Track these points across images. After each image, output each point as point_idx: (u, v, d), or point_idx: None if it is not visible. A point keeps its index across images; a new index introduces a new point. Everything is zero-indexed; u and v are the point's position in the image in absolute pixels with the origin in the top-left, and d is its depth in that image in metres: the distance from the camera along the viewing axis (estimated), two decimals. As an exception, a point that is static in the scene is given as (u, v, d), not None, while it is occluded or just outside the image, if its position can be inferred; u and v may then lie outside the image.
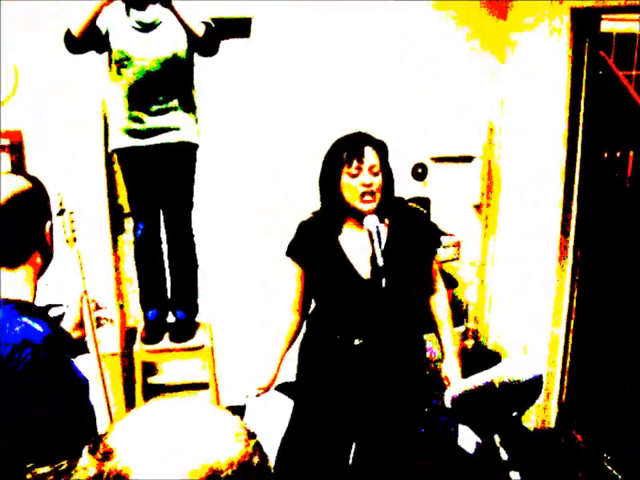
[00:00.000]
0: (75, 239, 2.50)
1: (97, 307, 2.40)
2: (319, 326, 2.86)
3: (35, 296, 1.81)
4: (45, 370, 1.59)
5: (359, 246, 2.70)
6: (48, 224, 1.86)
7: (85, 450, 0.92)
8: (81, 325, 2.33)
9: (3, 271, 1.75)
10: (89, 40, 3.37)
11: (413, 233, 2.78)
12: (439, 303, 2.94)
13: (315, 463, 2.90)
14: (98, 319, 2.41)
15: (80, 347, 2.45)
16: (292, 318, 2.92)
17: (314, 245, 2.77)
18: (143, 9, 3.46)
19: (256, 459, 0.91)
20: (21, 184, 1.77)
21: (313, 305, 2.95)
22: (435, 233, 3.06)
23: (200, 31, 3.43)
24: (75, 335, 2.34)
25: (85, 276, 2.42)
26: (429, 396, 3.27)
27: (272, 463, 2.52)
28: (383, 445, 2.87)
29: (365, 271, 2.69)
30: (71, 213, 2.50)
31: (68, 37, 3.34)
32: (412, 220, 2.83)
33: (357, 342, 2.71)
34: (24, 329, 1.61)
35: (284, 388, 3.16)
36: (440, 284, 2.95)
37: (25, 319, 1.64)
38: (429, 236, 2.92)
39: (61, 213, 2.47)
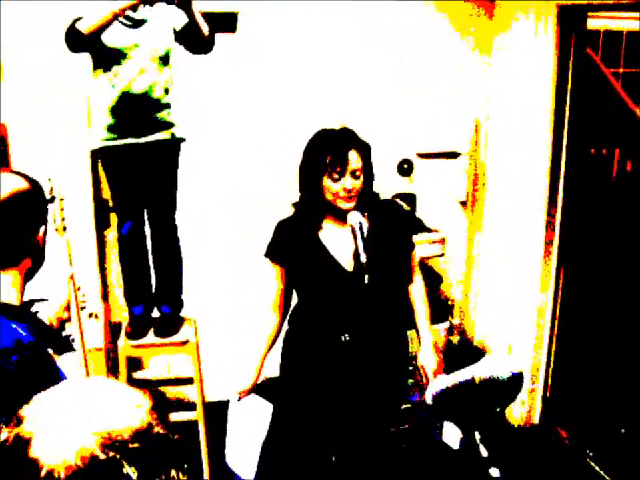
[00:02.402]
0: (64, 228, 2.49)
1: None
2: (303, 323, 2.86)
3: (21, 300, 1.77)
4: (29, 376, 1.56)
5: (340, 240, 2.71)
6: (42, 228, 1.80)
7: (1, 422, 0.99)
8: (67, 308, 2.35)
9: None
10: (95, 38, 3.31)
11: (390, 226, 2.79)
12: (416, 293, 2.95)
13: (298, 464, 2.90)
14: (82, 306, 2.43)
15: (65, 343, 2.45)
16: (273, 319, 2.90)
17: (294, 243, 2.76)
18: (151, 4, 3.40)
19: (157, 429, 0.96)
20: (19, 184, 1.71)
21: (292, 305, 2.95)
22: (411, 223, 3.05)
23: (206, 30, 3.43)
24: (64, 315, 2.35)
25: (72, 261, 2.43)
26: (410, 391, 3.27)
27: (255, 463, 2.51)
28: (365, 442, 2.89)
29: (347, 264, 2.70)
30: (61, 199, 2.48)
31: (74, 34, 3.24)
32: (389, 213, 2.84)
33: (344, 338, 2.71)
34: (10, 335, 1.58)
35: (267, 386, 3.16)
36: (417, 275, 2.96)
37: (11, 324, 1.60)
38: (406, 227, 2.93)
39: (52, 200, 2.44)
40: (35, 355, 1.59)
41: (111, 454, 0.89)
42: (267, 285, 2.92)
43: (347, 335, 2.70)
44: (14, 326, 1.60)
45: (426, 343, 2.92)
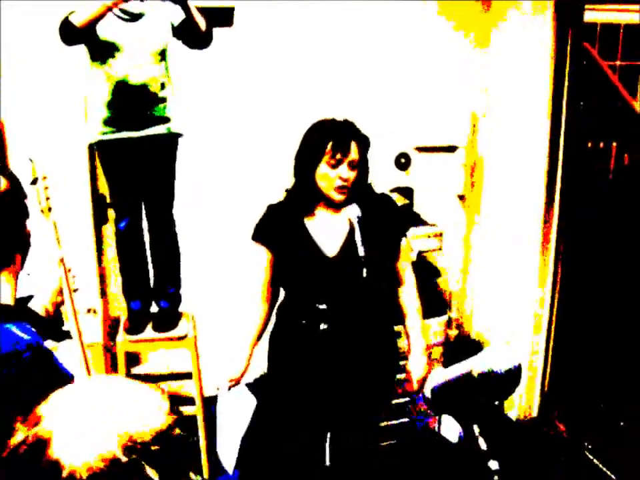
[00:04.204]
0: (50, 209, 2.43)
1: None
2: (287, 313, 2.86)
3: (15, 296, 1.76)
4: (32, 377, 1.55)
5: (328, 228, 2.73)
6: (28, 222, 1.78)
7: (18, 421, 0.97)
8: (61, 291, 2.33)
9: None
10: (89, 31, 3.31)
11: (382, 220, 2.79)
12: (407, 295, 2.91)
13: (279, 460, 2.92)
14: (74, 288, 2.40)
15: (63, 332, 2.43)
16: (260, 308, 2.90)
17: (281, 226, 2.78)
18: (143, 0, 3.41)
19: (177, 431, 0.96)
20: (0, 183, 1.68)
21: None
22: (404, 218, 3.03)
23: (203, 26, 3.43)
24: (59, 299, 2.33)
25: (61, 244, 2.39)
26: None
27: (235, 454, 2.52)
28: (352, 436, 2.90)
29: (329, 251, 2.70)
30: (44, 178, 2.42)
31: (67, 27, 3.25)
32: (381, 207, 2.83)
33: (322, 327, 2.71)
34: (9, 339, 1.56)
35: (259, 381, 3.16)
36: (409, 275, 2.92)
37: (9, 327, 1.59)
38: (398, 223, 2.92)
39: (34, 182, 2.38)
40: (35, 354, 1.58)
41: (133, 456, 0.88)
42: (253, 272, 2.92)
43: (326, 324, 2.70)
44: (12, 328, 1.59)
45: (416, 349, 2.87)
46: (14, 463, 0.91)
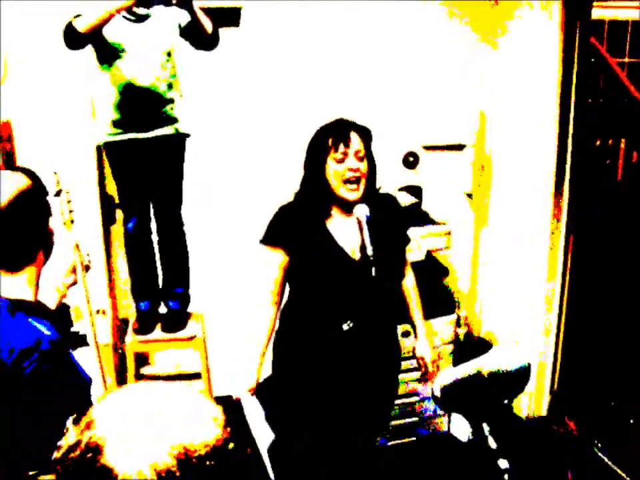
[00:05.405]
0: (72, 221, 2.46)
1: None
2: (301, 317, 2.84)
3: (37, 293, 1.77)
4: (51, 374, 1.56)
5: (346, 230, 2.71)
6: (51, 220, 1.80)
7: (70, 420, 0.94)
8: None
9: (6, 275, 1.68)
10: (92, 36, 3.32)
11: (390, 219, 2.80)
12: (409, 287, 2.99)
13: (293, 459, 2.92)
14: (87, 265, 2.45)
15: (80, 338, 2.45)
16: (271, 310, 2.86)
17: (299, 228, 2.74)
18: (147, 6, 3.43)
19: (231, 445, 0.92)
20: (22, 182, 1.70)
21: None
22: (408, 218, 3.07)
23: (210, 28, 3.44)
24: (70, 280, 2.38)
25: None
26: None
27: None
28: (361, 434, 2.90)
29: (353, 254, 2.70)
30: (67, 192, 2.45)
31: (70, 32, 3.26)
32: (387, 206, 2.84)
33: (345, 327, 2.70)
34: (31, 333, 1.58)
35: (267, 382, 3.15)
36: (409, 269, 3.00)
37: (31, 322, 1.61)
38: (404, 222, 2.95)
39: (58, 193, 2.41)
40: (55, 350, 1.59)
41: (187, 470, 0.85)
42: (262, 274, 2.90)
43: (349, 323, 2.69)
44: (34, 323, 1.60)
45: (422, 335, 2.99)
46: (67, 465, 0.89)
